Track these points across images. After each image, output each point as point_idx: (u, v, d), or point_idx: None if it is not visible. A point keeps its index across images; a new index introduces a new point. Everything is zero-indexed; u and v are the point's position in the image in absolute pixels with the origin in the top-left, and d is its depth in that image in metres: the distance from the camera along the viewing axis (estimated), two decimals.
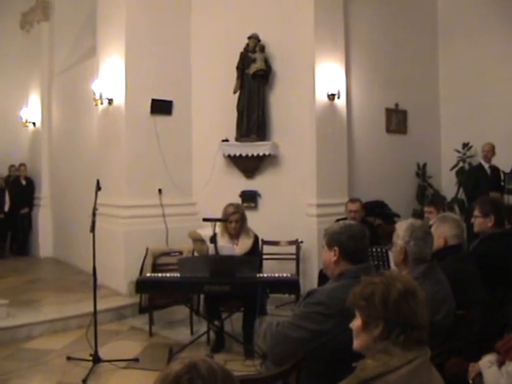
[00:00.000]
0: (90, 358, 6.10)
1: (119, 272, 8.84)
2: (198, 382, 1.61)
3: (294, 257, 8.55)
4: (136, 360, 6.33)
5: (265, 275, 6.39)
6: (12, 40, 13.82)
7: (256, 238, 7.09)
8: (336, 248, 3.47)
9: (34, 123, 13.23)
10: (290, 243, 8.62)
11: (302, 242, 8.67)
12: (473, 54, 11.46)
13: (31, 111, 13.31)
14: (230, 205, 6.99)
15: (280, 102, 9.35)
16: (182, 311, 7.87)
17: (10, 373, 6.05)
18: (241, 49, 9.25)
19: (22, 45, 13.77)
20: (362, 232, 3.57)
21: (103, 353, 6.23)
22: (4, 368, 6.20)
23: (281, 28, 9.34)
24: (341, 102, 9.54)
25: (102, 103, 9.42)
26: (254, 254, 6.94)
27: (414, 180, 11.34)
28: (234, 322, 6.90)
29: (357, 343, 2.47)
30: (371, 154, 10.43)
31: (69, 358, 6.33)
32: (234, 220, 6.83)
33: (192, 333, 7.37)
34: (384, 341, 2.34)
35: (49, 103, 12.85)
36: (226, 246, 6.69)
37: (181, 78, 9.64)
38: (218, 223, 6.70)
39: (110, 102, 9.35)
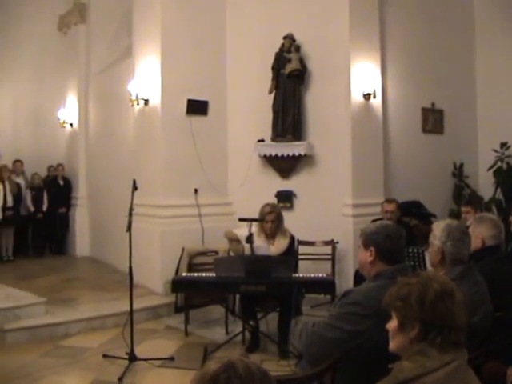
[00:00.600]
0: (126, 357, 6.15)
1: (155, 271, 8.90)
2: (235, 382, 1.61)
3: (329, 257, 8.50)
4: (171, 359, 6.36)
5: (300, 275, 6.38)
6: (50, 42, 14.02)
7: (292, 238, 7.06)
8: (372, 248, 3.44)
9: (71, 124, 13.40)
10: (326, 243, 8.58)
11: (337, 242, 8.62)
12: (510, 53, 11.30)
13: (69, 112, 13.47)
14: (267, 205, 7.00)
15: (315, 101, 9.32)
16: (217, 311, 7.90)
17: (48, 369, 6.14)
18: (276, 49, 9.24)
19: (59, 47, 13.95)
20: (399, 232, 3.53)
21: (139, 351, 6.28)
22: (42, 364, 6.29)
23: (316, 28, 9.31)
24: (376, 102, 9.48)
25: (138, 104, 9.49)
26: (290, 255, 6.91)
27: (450, 180, 11.22)
28: (269, 322, 6.91)
29: (393, 344, 2.45)
30: (407, 154, 10.33)
31: (105, 356, 6.39)
32: (270, 220, 6.82)
33: (227, 332, 7.38)
34: (420, 342, 2.31)
35: (86, 104, 13.01)
36: (261, 245, 6.68)
37: (216, 78, 9.67)
38: (254, 223, 6.71)
39: (146, 102, 9.41)
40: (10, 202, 12.10)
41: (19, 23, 13.99)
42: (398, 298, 2.41)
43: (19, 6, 13.96)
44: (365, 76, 9.25)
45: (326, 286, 6.38)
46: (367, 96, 9.25)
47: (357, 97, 9.19)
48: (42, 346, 6.86)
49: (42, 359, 6.48)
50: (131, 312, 6.32)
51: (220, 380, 1.61)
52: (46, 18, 14.00)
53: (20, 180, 12.79)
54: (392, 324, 2.44)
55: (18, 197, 12.39)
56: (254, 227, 6.77)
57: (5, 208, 11.94)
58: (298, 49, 9.17)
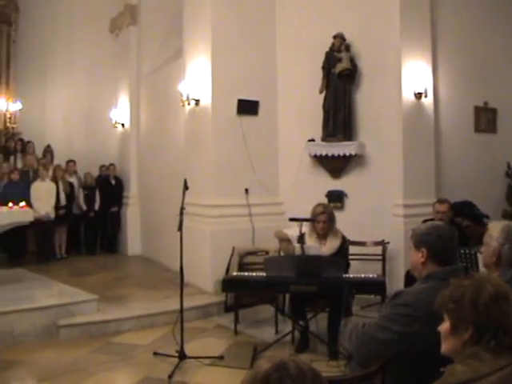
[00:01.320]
0: (176, 354, 6.21)
1: (205, 270, 8.95)
2: (287, 381, 1.60)
3: (380, 257, 8.43)
4: (221, 357, 6.38)
5: (351, 276, 6.34)
6: (102, 44, 14.26)
7: (344, 238, 7.00)
8: (424, 249, 3.37)
9: (122, 124, 13.59)
10: (376, 244, 8.50)
11: (388, 242, 8.54)
12: None
13: (120, 113, 13.67)
14: (319, 205, 6.96)
15: (366, 101, 9.24)
16: (267, 310, 7.90)
17: (99, 365, 6.25)
18: (326, 48, 9.20)
19: (111, 48, 14.20)
20: (451, 233, 3.46)
21: (189, 349, 6.31)
22: (93, 360, 6.40)
23: (366, 27, 9.24)
24: (428, 101, 9.36)
25: (188, 104, 9.56)
26: (342, 255, 6.85)
27: (503, 180, 10.99)
28: (319, 322, 6.88)
29: (445, 347, 2.41)
30: (459, 154, 10.16)
31: (155, 354, 6.46)
32: (322, 220, 6.77)
33: (277, 332, 7.37)
34: (474, 345, 2.26)
35: (137, 104, 13.17)
36: (312, 246, 6.66)
37: (267, 78, 9.67)
38: (305, 223, 6.69)
39: (197, 102, 9.47)
40: (63, 200, 12.32)
41: (73, 27, 14.27)
42: (450, 300, 2.37)
43: (72, 10, 14.26)
44: (416, 75, 9.14)
45: (376, 286, 6.34)
46: (418, 95, 9.15)
47: (408, 96, 9.09)
48: (94, 343, 6.99)
49: (94, 355, 6.59)
50: (181, 310, 6.37)
51: (272, 380, 1.60)
52: (98, 21, 14.27)
53: (73, 179, 13.00)
54: (444, 326, 2.40)
55: (70, 196, 12.60)
56: (306, 227, 6.76)
57: (58, 207, 12.16)
58: (348, 48, 9.12)
